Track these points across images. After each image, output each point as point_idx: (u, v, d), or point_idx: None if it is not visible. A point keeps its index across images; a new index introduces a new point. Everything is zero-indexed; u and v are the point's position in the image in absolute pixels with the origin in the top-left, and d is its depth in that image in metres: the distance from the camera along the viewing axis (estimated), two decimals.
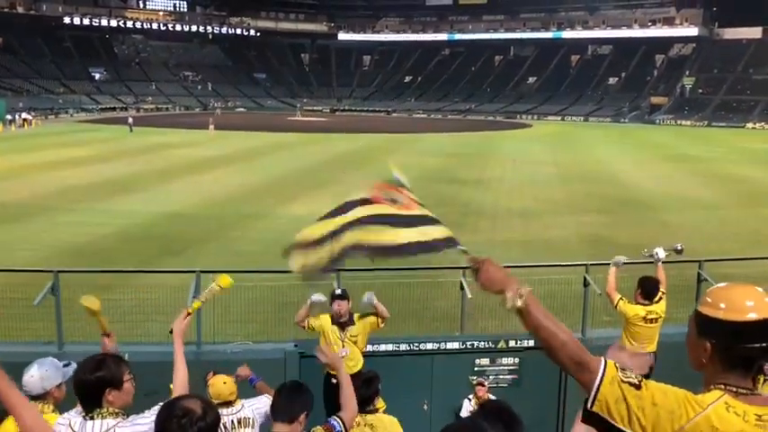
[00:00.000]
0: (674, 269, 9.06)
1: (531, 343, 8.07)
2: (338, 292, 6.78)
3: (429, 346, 7.89)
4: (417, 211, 2.58)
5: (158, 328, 9.46)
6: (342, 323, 6.74)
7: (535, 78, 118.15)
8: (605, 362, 1.88)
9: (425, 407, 7.84)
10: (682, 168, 38.07)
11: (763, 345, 1.80)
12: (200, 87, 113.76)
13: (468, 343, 7.97)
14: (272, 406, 3.84)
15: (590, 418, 1.86)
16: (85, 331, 8.78)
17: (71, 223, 20.82)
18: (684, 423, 1.76)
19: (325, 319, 6.85)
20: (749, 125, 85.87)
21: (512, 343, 8.01)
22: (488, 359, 8.02)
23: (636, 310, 7.14)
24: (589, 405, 1.85)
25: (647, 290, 7.15)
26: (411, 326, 10.02)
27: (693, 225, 21.70)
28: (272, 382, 5.13)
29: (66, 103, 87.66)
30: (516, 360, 8.06)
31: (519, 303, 1.99)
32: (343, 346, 6.67)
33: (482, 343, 8.01)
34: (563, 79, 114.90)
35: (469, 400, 7.63)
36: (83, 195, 25.81)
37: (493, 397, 7.65)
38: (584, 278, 8.38)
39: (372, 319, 6.85)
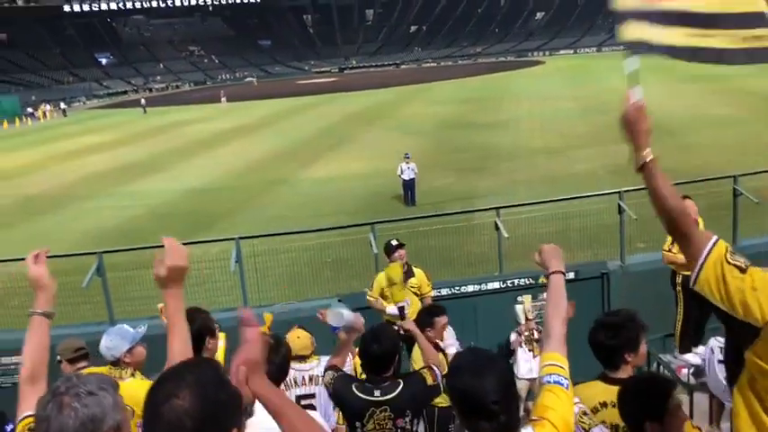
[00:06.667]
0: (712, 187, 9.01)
1: (571, 275, 8.10)
2: (394, 242, 6.47)
3: (470, 288, 7.96)
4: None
5: (202, 297, 9.65)
6: (404, 273, 6.40)
7: (543, 13, 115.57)
8: (715, 240, 1.89)
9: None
10: (700, 89, 37.25)
11: None
12: (206, 61, 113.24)
13: (509, 281, 8.02)
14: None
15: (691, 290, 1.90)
16: (134, 309, 9.04)
17: (99, 209, 21.11)
18: None
19: (383, 277, 6.53)
20: None
21: None
22: (530, 295, 8.06)
23: None
24: (692, 284, 1.89)
25: None
26: (446, 274, 10.04)
27: (717, 144, 21.41)
28: (318, 339, 5.19)
29: (77, 91, 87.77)
30: None
31: (639, 164, 2.17)
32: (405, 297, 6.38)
33: (522, 280, 8.05)
34: (572, 11, 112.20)
35: (517, 333, 7.68)
36: (106, 181, 26.10)
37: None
38: (619, 205, 8.34)
39: (424, 277, 6.61)
